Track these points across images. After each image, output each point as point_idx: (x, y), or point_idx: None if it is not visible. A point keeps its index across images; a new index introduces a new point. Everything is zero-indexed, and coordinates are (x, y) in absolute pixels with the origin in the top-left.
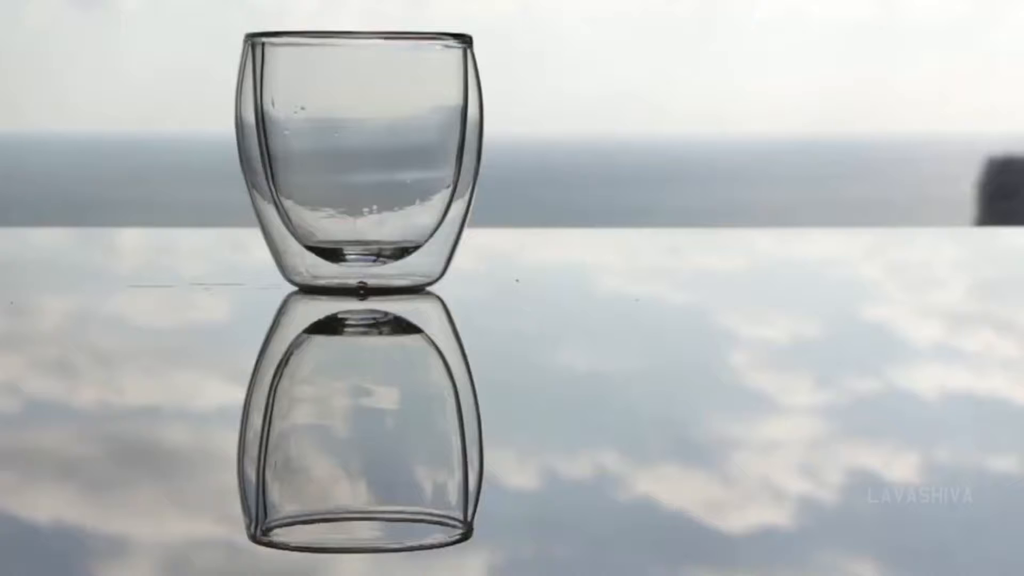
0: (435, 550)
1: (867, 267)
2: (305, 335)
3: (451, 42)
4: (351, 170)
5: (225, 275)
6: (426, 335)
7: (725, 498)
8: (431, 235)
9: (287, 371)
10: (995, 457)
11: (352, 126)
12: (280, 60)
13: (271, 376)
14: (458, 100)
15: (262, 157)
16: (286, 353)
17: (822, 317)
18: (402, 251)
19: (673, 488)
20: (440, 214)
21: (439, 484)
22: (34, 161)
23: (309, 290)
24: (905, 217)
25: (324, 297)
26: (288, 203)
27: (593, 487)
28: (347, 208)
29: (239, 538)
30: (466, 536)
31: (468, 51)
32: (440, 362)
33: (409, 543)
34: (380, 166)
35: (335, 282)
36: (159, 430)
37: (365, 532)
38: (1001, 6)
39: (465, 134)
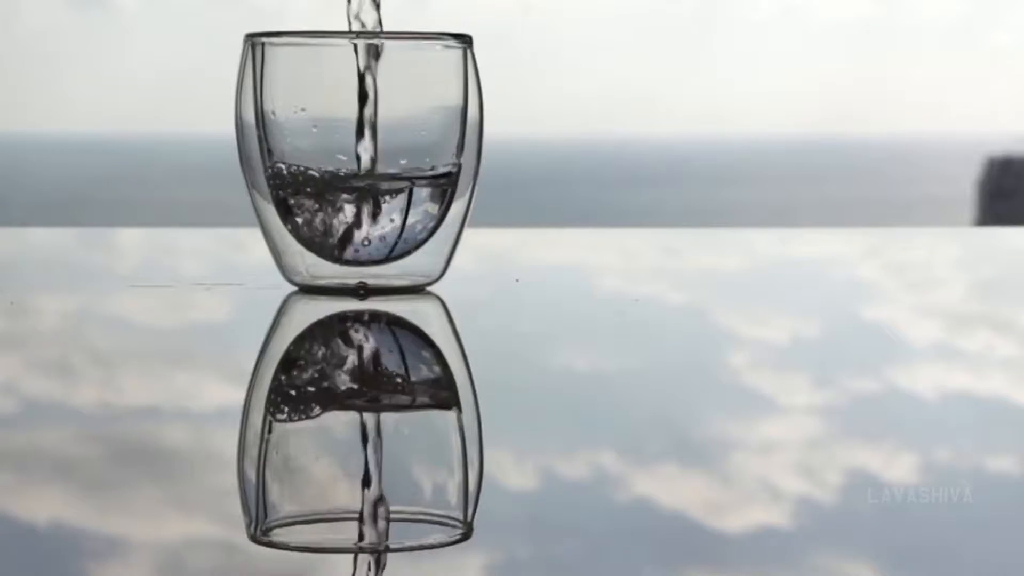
0: (435, 550)
1: (867, 267)
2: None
3: (451, 42)
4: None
5: (225, 275)
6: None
7: (724, 498)
8: (431, 235)
9: (286, 372)
10: (995, 457)
11: (352, 126)
12: (280, 60)
13: (271, 376)
14: (458, 100)
15: (262, 157)
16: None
17: (822, 317)
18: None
19: (672, 488)
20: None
21: (439, 484)
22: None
23: (309, 290)
24: (905, 217)
25: (324, 297)
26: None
27: (592, 487)
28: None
29: (239, 538)
30: (466, 536)
31: (468, 51)
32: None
33: (409, 543)
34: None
35: (335, 282)
36: (159, 430)
37: (365, 532)
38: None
39: (465, 134)
